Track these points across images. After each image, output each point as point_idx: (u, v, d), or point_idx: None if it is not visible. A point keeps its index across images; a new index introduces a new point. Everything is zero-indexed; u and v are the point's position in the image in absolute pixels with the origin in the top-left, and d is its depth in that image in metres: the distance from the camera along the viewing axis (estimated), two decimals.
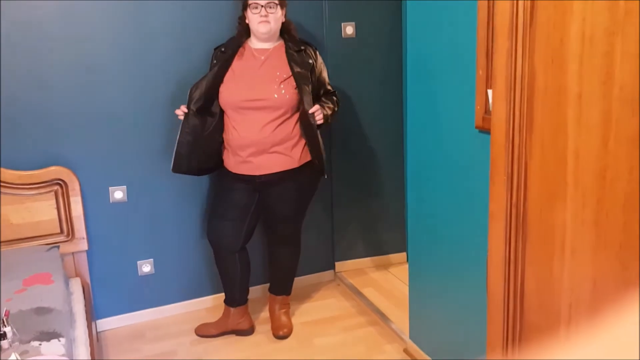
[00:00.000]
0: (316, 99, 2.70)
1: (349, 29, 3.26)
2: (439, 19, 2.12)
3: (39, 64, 2.67)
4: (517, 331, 0.98)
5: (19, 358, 1.53)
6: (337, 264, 3.53)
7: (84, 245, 2.82)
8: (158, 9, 2.83)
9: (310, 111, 2.57)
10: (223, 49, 2.72)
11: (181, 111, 2.65)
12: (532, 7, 0.88)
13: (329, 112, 2.69)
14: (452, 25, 2.04)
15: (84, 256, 2.86)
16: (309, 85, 2.61)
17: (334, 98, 2.79)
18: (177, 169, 2.73)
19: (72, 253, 2.81)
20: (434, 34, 2.17)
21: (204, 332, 2.90)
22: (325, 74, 2.78)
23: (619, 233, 0.82)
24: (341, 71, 3.23)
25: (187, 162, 2.72)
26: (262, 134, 2.59)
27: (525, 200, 0.95)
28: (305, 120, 2.59)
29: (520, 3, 0.88)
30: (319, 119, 2.59)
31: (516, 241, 0.97)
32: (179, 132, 2.67)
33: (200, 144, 2.68)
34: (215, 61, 2.72)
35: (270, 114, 2.59)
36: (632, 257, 0.80)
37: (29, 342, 1.80)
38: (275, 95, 2.59)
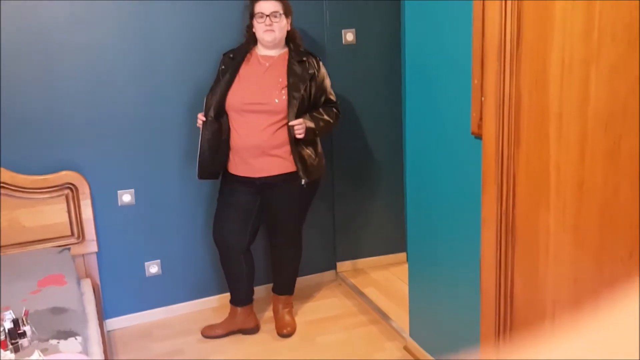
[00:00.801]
0: (315, 108, 2.78)
1: (349, 36, 3.35)
2: (437, 26, 2.21)
3: (50, 70, 2.76)
4: (507, 326, 1.07)
5: (41, 355, 1.62)
6: (338, 264, 3.62)
7: (93, 247, 2.92)
8: (168, 16, 2.92)
9: (290, 124, 2.64)
10: (232, 55, 2.82)
11: (200, 120, 2.74)
12: (519, 33, 0.97)
13: (321, 124, 2.75)
14: (450, 33, 2.13)
15: (94, 258, 2.95)
16: (299, 98, 2.68)
17: (334, 110, 2.86)
18: (202, 175, 2.83)
19: (83, 255, 2.91)
20: (432, 40, 2.27)
21: (210, 333, 2.99)
22: (327, 83, 2.86)
23: (596, 237, 0.91)
24: (341, 77, 3.31)
25: (211, 167, 2.81)
26: (262, 136, 2.69)
27: (513, 208, 1.04)
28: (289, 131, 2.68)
29: (508, 28, 0.98)
30: (299, 133, 2.65)
31: (506, 245, 1.06)
32: (199, 140, 2.76)
33: (221, 148, 2.77)
34: (223, 67, 2.82)
35: (271, 117, 2.69)
36: (607, 259, 0.90)
37: (48, 340, 1.89)
38: (276, 100, 2.68)
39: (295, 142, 2.69)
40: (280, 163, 2.74)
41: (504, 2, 0.97)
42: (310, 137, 2.73)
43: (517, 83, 0.99)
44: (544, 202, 0.98)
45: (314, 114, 2.76)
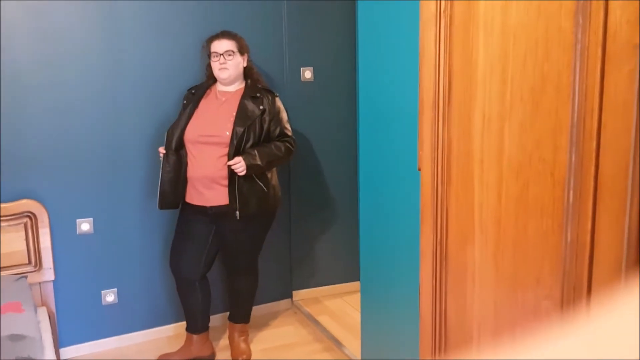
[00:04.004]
0: (268, 141, 2.89)
1: (307, 74, 3.52)
2: (388, 69, 2.38)
3: (11, 101, 2.81)
4: (442, 348, 1.20)
5: None
6: (294, 292, 3.71)
7: (50, 276, 2.93)
8: (132, 50, 3.02)
9: (228, 164, 2.71)
10: (194, 91, 2.95)
11: (160, 153, 2.83)
12: (450, 89, 1.13)
13: (267, 159, 2.78)
14: (401, 76, 2.30)
15: (50, 286, 2.96)
16: (241, 133, 2.75)
17: (287, 144, 2.91)
18: (163, 206, 2.88)
19: (39, 283, 2.92)
20: (385, 86, 2.43)
21: (164, 356, 3.02)
22: (283, 117, 2.94)
23: (511, 267, 1.06)
24: (300, 113, 3.46)
25: (172, 198, 2.87)
26: (214, 167, 2.79)
27: (447, 240, 1.18)
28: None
29: (441, 84, 1.13)
30: (239, 171, 2.71)
31: (440, 273, 1.19)
32: (160, 172, 2.83)
33: (180, 179, 2.85)
34: (185, 101, 2.94)
35: (223, 149, 2.79)
36: (519, 285, 1.04)
37: None
38: (227, 133, 2.79)
39: (238, 177, 2.74)
40: (225, 194, 2.82)
41: (437, 62, 1.13)
42: (255, 172, 2.78)
43: (448, 131, 1.14)
44: (470, 236, 1.13)
45: (263, 148, 2.82)
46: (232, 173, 2.75)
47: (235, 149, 2.75)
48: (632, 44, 0.79)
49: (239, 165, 2.71)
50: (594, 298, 0.89)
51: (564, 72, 0.91)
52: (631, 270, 0.82)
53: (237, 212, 2.76)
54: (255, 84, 2.95)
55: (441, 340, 1.21)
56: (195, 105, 2.89)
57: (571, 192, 0.91)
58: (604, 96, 0.84)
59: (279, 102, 2.95)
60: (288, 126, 2.97)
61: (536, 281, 1.00)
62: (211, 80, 2.96)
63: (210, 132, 2.80)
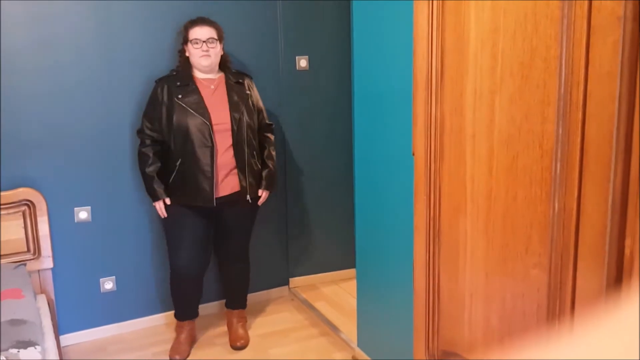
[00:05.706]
0: (256, 130, 2.97)
1: (302, 62, 3.53)
2: (383, 54, 2.41)
3: (8, 89, 2.82)
4: (435, 318, 1.24)
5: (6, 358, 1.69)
6: (291, 279, 3.75)
7: (49, 263, 2.95)
8: (125, 36, 3.03)
9: (259, 203, 2.99)
10: (179, 83, 2.82)
11: (162, 210, 2.92)
12: (442, 67, 1.16)
13: (273, 168, 3.03)
14: (395, 61, 2.33)
15: (49, 274, 2.99)
16: (242, 115, 2.85)
17: (271, 138, 3.09)
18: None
19: (38, 270, 2.94)
20: (379, 71, 2.46)
21: (177, 353, 2.99)
22: (261, 104, 3.05)
23: (501, 237, 1.09)
24: (295, 101, 3.49)
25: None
26: (226, 156, 2.82)
27: (439, 215, 1.22)
28: (238, 147, 2.84)
29: (433, 63, 1.16)
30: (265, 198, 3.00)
31: (433, 247, 1.23)
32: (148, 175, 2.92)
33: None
34: (180, 95, 2.79)
35: (229, 138, 2.81)
36: (509, 255, 1.08)
37: (8, 349, 1.95)
38: (228, 119, 2.83)
39: (247, 162, 2.86)
40: (235, 181, 2.86)
41: (430, 40, 1.16)
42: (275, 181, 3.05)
43: (441, 109, 1.17)
44: (462, 209, 1.16)
45: (269, 155, 3.02)
46: (243, 159, 2.84)
47: (238, 135, 2.81)
48: (616, 15, 0.82)
49: (263, 198, 2.98)
50: (581, 264, 0.93)
51: (551, 45, 0.94)
52: (615, 235, 0.85)
53: (248, 196, 2.89)
54: (231, 70, 2.98)
55: (434, 310, 1.24)
56: (190, 96, 2.83)
57: (558, 162, 0.94)
58: (590, 68, 0.88)
59: (254, 87, 3.04)
60: (264, 107, 3.08)
61: (525, 250, 1.03)
62: (188, 68, 2.88)
63: (216, 120, 2.80)
